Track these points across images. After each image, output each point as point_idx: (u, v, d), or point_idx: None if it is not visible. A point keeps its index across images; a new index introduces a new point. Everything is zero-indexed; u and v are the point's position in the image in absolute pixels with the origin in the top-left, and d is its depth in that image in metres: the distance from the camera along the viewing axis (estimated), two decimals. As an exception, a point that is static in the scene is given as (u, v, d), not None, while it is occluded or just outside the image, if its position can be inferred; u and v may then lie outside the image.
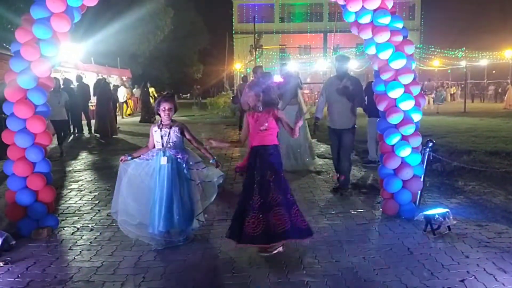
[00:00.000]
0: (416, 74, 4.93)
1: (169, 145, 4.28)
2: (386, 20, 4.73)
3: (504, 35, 36.60)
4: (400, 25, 4.84)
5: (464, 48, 28.59)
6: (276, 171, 4.03)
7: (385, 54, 4.79)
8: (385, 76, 4.86)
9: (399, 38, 4.80)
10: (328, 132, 6.36)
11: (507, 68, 34.59)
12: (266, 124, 4.06)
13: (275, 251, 3.95)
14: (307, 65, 36.13)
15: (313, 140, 10.31)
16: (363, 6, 4.71)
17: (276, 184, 3.98)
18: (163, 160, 4.25)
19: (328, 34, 43.61)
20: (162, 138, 4.28)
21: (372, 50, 4.90)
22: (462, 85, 30.27)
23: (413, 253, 3.99)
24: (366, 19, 4.78)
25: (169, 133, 4.29)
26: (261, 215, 3.90)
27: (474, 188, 6.15)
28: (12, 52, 4.51)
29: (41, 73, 4.45)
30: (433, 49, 33.96)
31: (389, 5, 4.81)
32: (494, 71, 41.00)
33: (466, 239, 4.27)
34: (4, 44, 13.54)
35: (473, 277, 3.46)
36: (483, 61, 32.08)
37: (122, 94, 21.64)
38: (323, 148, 10.50)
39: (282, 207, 3.93)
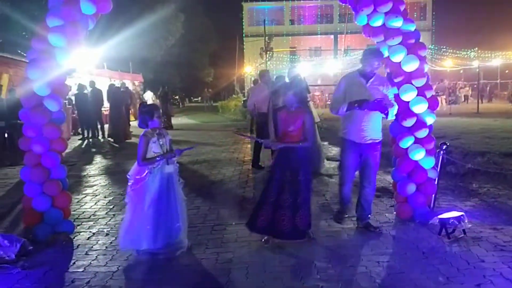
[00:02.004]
0: (429, 76, 4.91)
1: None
2: (398, 23, 4.72)
3: (517, 35, 36.14)
4: (412, 28, 4.83)
5: (476, 48, 28.31)
6: (295, 173, 4.28)
7: (398, 57, 4.77)
8: (398, 79, 4.84)
9: (412, 41, 4.78)
10: (344, 147, 4.73)
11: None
12: (293, 126, 4.31)
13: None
14: (317, 67, 36.06)
15: (324, 143, 10.34)
16: (375, 9, 4.70)
17: (291, 185, 4.25)
18: (169, 168, 4.19)
19: (338, 35, 43.58)
20: (161, 147, 4.19)
21: (384, 54, 4.88)
22: (475, 86, 29.93)
23: (428, 257, 3.96)
24: (378, 22, 4.77)
25: (166, 141, 4.26)
26: (271, 211, 4.25)
27: (489, 191, 6.09)
28: (28, 59, 4.58)
29: (56, 80, 4.52)
30: (445, 49, 33.70)
31: (401, 8, 4.80)
32: (507, 71, 40.50)
33: (481, 243, 4.23)
34: (19, 51, 13.76)
35: (490, 281, 3.43)
36: (496, 61, 31.71)
37: (149, 96, 22.09)
38: (334, 150, 10.46)
39: (287, 210, 4.23)
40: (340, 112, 4.55)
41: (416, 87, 4.79)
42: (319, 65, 36.35)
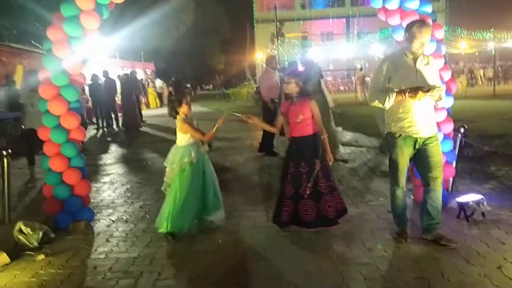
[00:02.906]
0: (446, 58, 4.83)
1: None
2: (414, 4, 4.65)
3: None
4: (429, 9, 4.75)
5: (492, 29, 27.68)
6: (310, 162, 4.18)
7: (414, 40, 4.70)
8: (414, 62, 4.77)
9: (429, 22, 4.70)
10: (393, 145, 3.92)
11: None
12: (301, 116, 4.21)
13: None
14: (329, 52, 35.70)
15: (338, 129, 10.29)
16: (390, -9, 4.63)
17: (309, 175, 4.16)
18: (205, 148, 4.53)
19: (350, 19, 43.00)
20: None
21: (401, 36, 4.81)
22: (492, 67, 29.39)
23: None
24: (394, 4, 4.70)
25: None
26: (292, 204, 4.19)
27: (507, 173, 6.02)
28: (44, 50, 4.62)
29: (73, 70, 4.56)
30: (459, 31, 33.06)
31: (417, -11, 4.71)
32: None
33: (501, 225, 4.20)
34: (33, 41, 13.88)
35: (510, 263, 3.41)
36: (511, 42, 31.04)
37: (159, 85, 22.28)
38: (348, 135, 10.43)
39: (310, 200, 4.16)
40: (385, 104, 3.78)
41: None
42: (331, 50, 36.01)
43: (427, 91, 3.63)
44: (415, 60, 3.83)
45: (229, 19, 46.70)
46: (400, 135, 3.86)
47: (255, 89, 19.62)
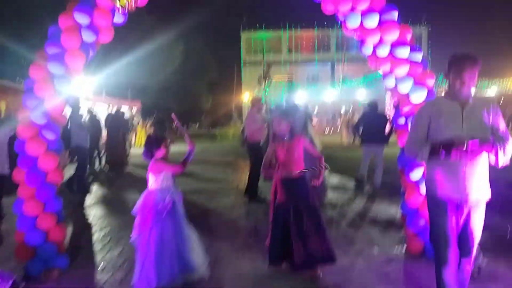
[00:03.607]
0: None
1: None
2: (405, 52, 4.63)
3: (512, 63, 36.53)
4: (419, 56, 4.74)
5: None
6: (303, 202, 4.22)
7: (405, 87, 4.66)
8: (406, 109, 4.72)
9: (419, 70, 4.68)
10: (435, 208, 3.29)
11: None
12: (296, 153, 4.28)
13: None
14: (315, 95, 36.21)
15: (326, 172, 10.15)
16: (381, 38, 4.62)
17: (299, 215, 4.16)
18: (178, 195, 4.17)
19: (335, 64, 44.00)
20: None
21: (391, 83, 4.78)
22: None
23: (444, 297, 3.74)
24: (384, 52, 4.68)
25: None
26: (299, 243, 4.08)
27: (499, 224, 5.90)
28: (26, 88, 4.44)
29: (54, 109, 4.37)
30: (442, 76, 33.95)
31: (408, 37, 4.72)
32: (502, 100, 40.77)
33: (497, 281, 4.03)
34: (18, 78, 13.74)
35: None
36: (493, 90, 31.94)
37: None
38: (336, 179, 10.31)
39: (301, 240, 4.11)
40: (418, 158, 3.25)
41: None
42: (317, 93, 36.56)
43: (475, 144, 2.91)
44: (462, 105, 3.14)
45: (217, 60, 47.36)
46: (442, 197, 3.18)
47: (241, 130, 19.57)
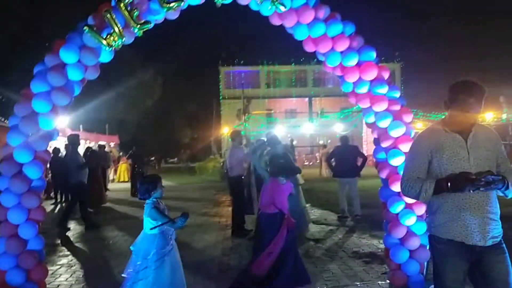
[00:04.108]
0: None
1: None
2: (383, 90, 4.82)
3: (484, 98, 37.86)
4: (397, 94, 4.94)
5: (446, 112, 29.41)
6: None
7: (384, 123, 4.83)
8: (385, 144, 4.87)
9: (397, 107, 4.87)
10: (439, 253, 2.88)
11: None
12: (284, 196, 4.96)
13: None
14: (293, 129, 36.73)
15: (307, 205, 10.23)
16: (360, 77, 4.81)
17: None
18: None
19: (312, 98, 44.90)
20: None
21: (371, 119, 4.95)
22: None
23: (429, 330, 3.79)
24: (363, 89, 4.86)
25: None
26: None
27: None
28: (10, 126, 4.42)
29: (39, 147, 4.36)
30: (415, 111, 34.96)
31: (385, 76, 4.93)
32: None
33: None
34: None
35: None
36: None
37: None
38: (317, 213, 10.37)
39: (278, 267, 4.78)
40: (420, 198, 2.83)
41: (404, 152, 4.82)
42: (295, 127, 37.12)
43: (485, 181, 2.53)
44: (465, 135, 2.83)
45: (196, 95, 47.76)
46: (448, 239, 2.77)
47: (221, 163, 19.57)
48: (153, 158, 42.27)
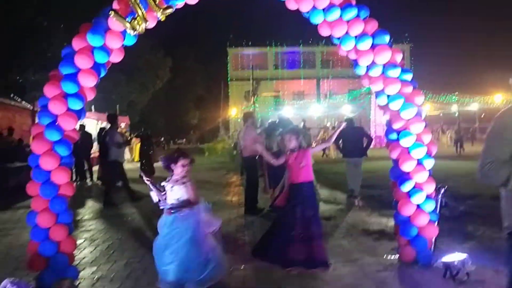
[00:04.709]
0: (427, 122, 5.13)
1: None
2: (396, 72, 4.98)
3: (492, 79, 37.66)
4: (409, 77, 5.10)
5: (457, 92, 29.40)
6: (312, 206, 4.95)
7: (396, 105, 5.01)
8: (397, 126, 5.05)
9: (409, 89, 5.04)
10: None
11: (496, 112, 35.44)
12: (303, 162, 4.98)
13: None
14: (301, 111, 36.78)
15: (317, 185, 10.48)
16: (373, 60, 4.97)
17: (303, 220, 4.81)
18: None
19: (321, 80, 44.79)
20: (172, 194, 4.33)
21: (383, 101, 5.12)
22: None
23: (436, 300, 4.04)
24: (377, 72, 5.03)
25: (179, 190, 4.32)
26: (297, 245, 4.72)
27: (485, 233, 6.25)
28: (40, 106, 4.66)
29: (67, 126, 4.60)
30: (425, 92, 34.85)
31: (398, 59, 5.09)
32: (483, 115, 41.93)
33: (485, 285, 4.33)
34: (12, 95, 13.90)
35: (500, 323, 3.50)
36: (474, 106, 32.90)
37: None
38: (327, 193, 10.61)
39: (302, 243, 4.75)
40: (510, 184, 2.40)
41: (415, 133, 5.00)
42: (303, 108, 37.15)
43: None
44: None
45: (204, 76, 47.77)
46: None
47: (232, 145, 19.79)
48: (162, 139, 42.72)
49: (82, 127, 15.31)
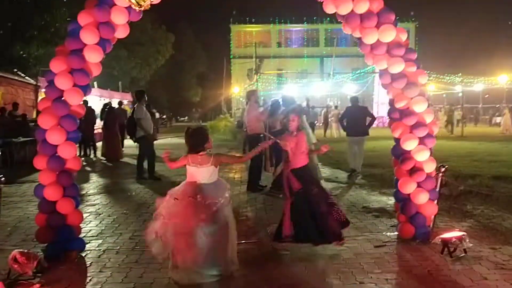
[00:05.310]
0: (429, 101, 5.17)
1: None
2: (400, 52, 4.99)
3: (497, 60, 37.38)
4: (413, 56, 5.11)
5: (460, 73, 29.21)
6: (317, 185, 5.05)
7: (400, 84, 5.03)
8: (400, 104, 5.09)
9: (413, 69, 5.06)
10: None
11: (500, 92, 35.34)
12: (304, 146, 5.01)
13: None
14: (304, 89, 36.63)
15: (318, 163, 10.57)
16: (378, 39, 4.97)
17: (317, 196, 4.89)
18: None
19: (324, 59, 44.47)
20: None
21: (387, 80, 5.15)
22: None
23: (433, 275, 4.15)
24: (381, 50, 5.04)
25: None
26: (310, 222, 4.80)
27: (483, 212, 6.34)
28: (47, 81, 4.71)
29: (74, 101, 4.65)
30: (429, 72, 34.63)
31: (403, 37, 5.09)
32: (487, 95, 41.73)
33: (482, 262, 4.43)
34: (15, 70, 13.89)
35: (495, 297, 3.62)
36: (478, 86, 32.71)
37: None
38: (329, 171, 10.71)
39: (320, 218, 4.82)
40: None
41: (417, 112, 5.04)
42: (306, 87, 36.96)
43: None
44: None
45: (207, 54, 47.46)
46: None
47: (236, 122, 19.81)
48: (164, 116, 42.72)
49: (85, 102, 15.35)
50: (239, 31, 46.53)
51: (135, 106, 9.73)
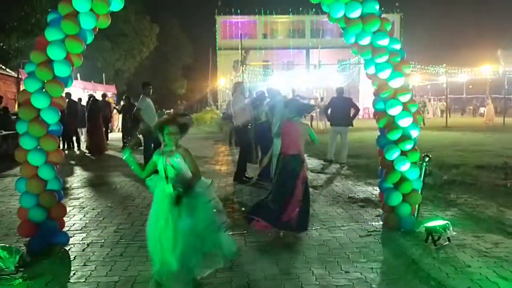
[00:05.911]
0: (413, 92, 5.19)
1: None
2: (385, 42, 4.99)
3: (481, 51, 37.77)
4: (398, 46, 5.11)
5: (445, 64, 29.43)
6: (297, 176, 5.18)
7: (384, 74, 5.04)
8: (385, 94, 5.10)
9: (397, 59, 5.06)
10: None
11: (484, 83, 35.74)
12: (296, 136, 5.25)
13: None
14: (290, 81, 36.56)
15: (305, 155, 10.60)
16: (363, 28, 4.96)
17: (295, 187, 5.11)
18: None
19: (310, 50, 44.42)
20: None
21: (371, 70, 5.15)
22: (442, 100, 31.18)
23: (418, 263, 4.19)
24: (366, 40, 5.03)
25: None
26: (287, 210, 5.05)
27: (467, 201, 6.43)
28: (26, 72, 4.60)
29: (54, 93, 4.56)
30: (413, 64, 34.84)
31: (388, 28, 5.09)
32: (471, 86, 42.19)
33: (466, 250, 4.49)
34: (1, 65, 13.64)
35: (478, 285, 3.67)
36: (462, 77, 33.03)
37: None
38: (314, 162, 10.74)
39: (294, 207, 5.08)
40: None
41: (402, 102, 5.06)
42: (292, 78, 36.92)
43: None
44: None
45: (192, 45, 47.06)
46: None
47: (221, 114, 19.72)
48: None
49: (68, 95, 15.10)
50: (224, 22, 46.10)
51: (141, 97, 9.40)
